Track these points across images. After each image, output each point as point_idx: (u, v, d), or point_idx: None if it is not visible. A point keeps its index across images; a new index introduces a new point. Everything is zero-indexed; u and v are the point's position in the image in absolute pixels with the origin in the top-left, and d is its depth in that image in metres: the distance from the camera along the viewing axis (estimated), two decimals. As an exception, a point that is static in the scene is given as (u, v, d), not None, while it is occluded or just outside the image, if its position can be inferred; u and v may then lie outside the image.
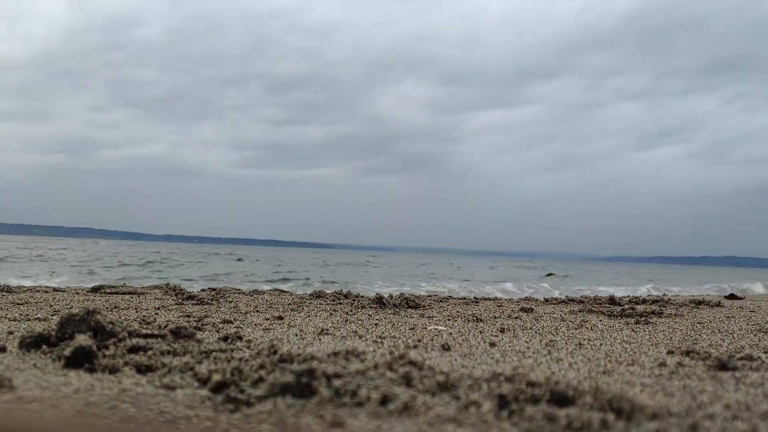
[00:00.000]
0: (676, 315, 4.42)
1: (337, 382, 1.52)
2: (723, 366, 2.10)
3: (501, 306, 5.08)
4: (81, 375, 1.72)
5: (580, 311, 4.57)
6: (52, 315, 3.29)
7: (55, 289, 5.68)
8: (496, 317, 3.94)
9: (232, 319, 3.35)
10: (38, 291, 5.25)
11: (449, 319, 3.71)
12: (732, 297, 8.04)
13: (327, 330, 2.99)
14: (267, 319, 3.42)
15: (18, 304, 3.92)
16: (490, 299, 6.59)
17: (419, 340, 2.68)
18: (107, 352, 1.88)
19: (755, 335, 3.32)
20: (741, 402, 1.56)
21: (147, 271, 13.17)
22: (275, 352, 1.86)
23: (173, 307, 3.99)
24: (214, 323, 3.11)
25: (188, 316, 3.42)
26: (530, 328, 3.32)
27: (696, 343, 2.84)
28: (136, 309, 3.83)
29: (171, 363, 1.81)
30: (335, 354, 1.90)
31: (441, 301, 5.55)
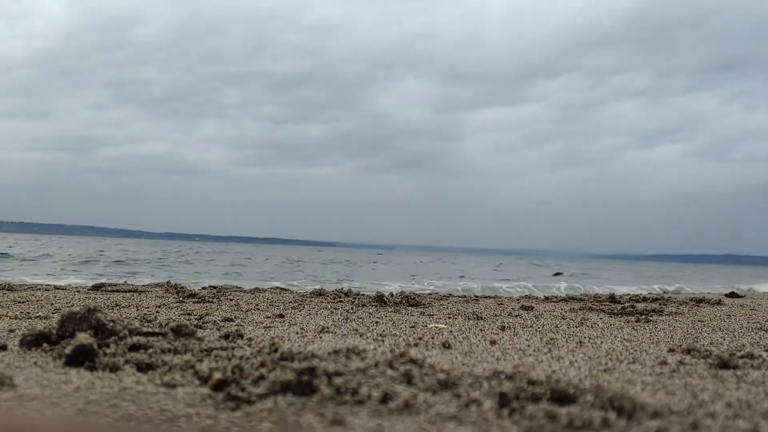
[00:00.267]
0: (676, 313, 4.42)
1: (337, 380, 1.52)
2: (724, 364, 2.10)
3: (501, 304, 5.09)
4: (82, 373, 1.72)
5: (580, 309, 4.57)
6: (53, 313, 3.29)
7: (56, 287, 5.68)
8: (496, 315, 3.94)
9: (233, 317, 3.35)
10: (39, 289, 5.26)
11: (450, 317, 3.71)
12: (732, 295, 8.04)
13: (328, 328, 2.99)
14: (268, 317, 3.42)
15: (19, 302, 3.92)
16: (490, 297, 6.59)
17: (420, 338, 2.68)
18: (108, 351, 1.88)
19: (756, 333, 3.32)
20: (742, 400, 1.56)
21: (151, 269, 13.17)
22: (276, 350, 1.86)
23: (174, 305, 3.99)
24: (215, 321, 3.11)
25: (189, 314, 3.42)
26: (531, 326, 3.32)
27: (697, 342, 2.84)
28: (136, 307, 3.83)
29: (172, 361, 1.81)
30: (336, 352, 1.90)
31: (441, 299, 5.56)
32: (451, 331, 2.99)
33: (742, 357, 2.25)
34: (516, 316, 3.96)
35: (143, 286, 6.13)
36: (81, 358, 1.81)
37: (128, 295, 4.90)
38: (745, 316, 4.40)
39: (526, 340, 2.76)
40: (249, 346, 2.21)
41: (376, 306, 4.31)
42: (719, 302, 5.76)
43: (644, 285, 12.82)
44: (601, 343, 2.71)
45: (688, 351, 2.42)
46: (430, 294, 6.63)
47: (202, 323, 2.98)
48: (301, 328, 2.98)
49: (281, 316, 3.51)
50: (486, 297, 6.58)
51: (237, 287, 6.35)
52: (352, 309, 4.08)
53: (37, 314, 3.24)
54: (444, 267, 23.44)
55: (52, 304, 3.86)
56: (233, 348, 2.11)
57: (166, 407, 1.38)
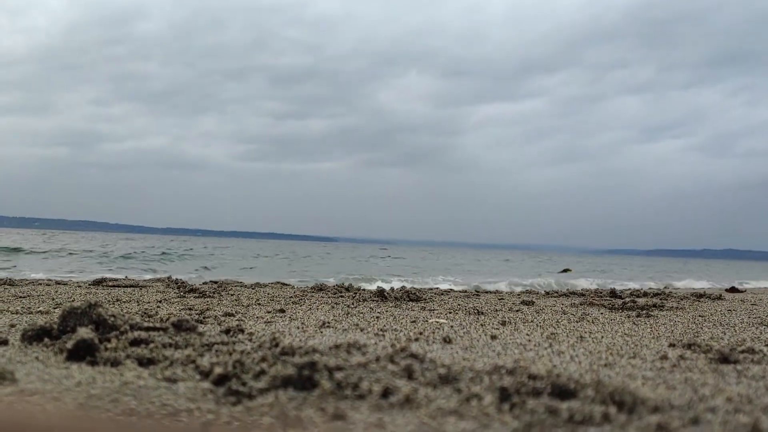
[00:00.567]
0: (677, 308, 4.42)
1: (338, 375, 1.53)
2: (724, 359, 2.10)
3: (502, 299, 5.09)
4: (83, 368, 1.72)
5: (581, 304, 4.57)
6: (54, 308, 3.30)
7: (57, 282, 5.69)
8: (497, 310, 3.94)
9: (233, 311, 3.36)
10: (40, 284, 5.27)
11: (450, 312, 3.71)
12: (733, 290, 8.04)
13: (328, 323, 3.00)
14: (269, 312, 3.42)
15: (20, 296, 3.93)
16: (491, 292, 6.59)
17: (420, 333, 2.68)
18: (109, 345, 1.88)
19: (756, 328, 3.32)
20: (743, 395, 1.56)
21: (156, 265, 13.18)
22: (277, 345, 1.86)
23: (175, 300, 4.00)
24: (215, 316, 3.11)
25: (190, 309, 3.42)
26: (531, 321, 3.32)
27: (697, 336, 2.84)
28: (137, 302, 3.83)
29: (173, 356, 1.82)
30: (337, 347, 1.91)
31: (442, 294, 5.56)
32: (452, 326, 2.99)
33: (742, 352, 2.25)
34: (517, 311, 3.96)
35: (144, 280, 6.14)
36: (82, 353, 1.81)
37: (129, 289, 4.91)
38: (746, 311, 4.40)
39: (527, 334, 2.76)
40: (250, 340, 2.21)
41: (377, 301, 4.31)
42: (720, 297, 5.76)
43: (645, 282, 12.84)
44: (602, 337, 2.71)
45: (689, 346, 2.42)
46: (431, 289, 6.64)
47: (203, 318, 2.99)
48: (302, 323, 2.98)
49: (282, 310, 3.51)
50: (487, 292, 6.59)
51: (238, 282, 6.35)
52: (352, 304, 4.09)
53: (38, 309, 3.24)
54: (446, 262, 23.45)
55: (53, 298, 3.87)
56: (234, 343, 2.11)
57: (168, 402, 1.38)
